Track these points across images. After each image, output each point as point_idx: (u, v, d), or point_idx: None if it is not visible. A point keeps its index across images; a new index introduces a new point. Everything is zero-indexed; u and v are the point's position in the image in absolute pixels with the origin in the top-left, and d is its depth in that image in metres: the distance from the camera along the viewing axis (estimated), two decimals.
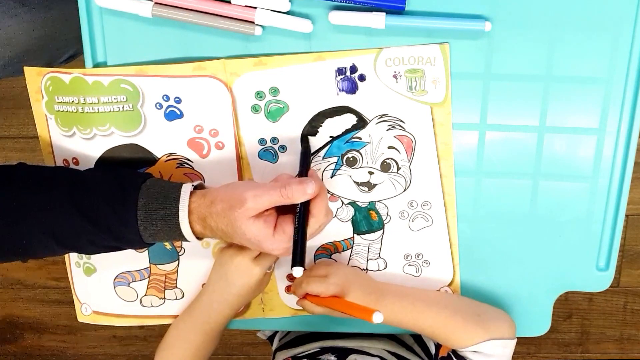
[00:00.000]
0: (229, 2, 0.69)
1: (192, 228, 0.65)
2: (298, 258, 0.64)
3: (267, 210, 0.65)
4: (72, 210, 0.65)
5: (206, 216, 0.65)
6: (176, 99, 0.72)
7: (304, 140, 0.73)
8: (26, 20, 0.84)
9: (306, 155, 0.72)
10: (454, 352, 0.74)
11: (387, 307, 0.73)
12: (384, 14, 0.68)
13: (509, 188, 0.75)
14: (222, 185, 0.68)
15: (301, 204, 0.66)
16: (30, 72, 0.74)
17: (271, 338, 0.97)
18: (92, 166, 0.75)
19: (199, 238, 0.67)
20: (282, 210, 0.66)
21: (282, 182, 0.65)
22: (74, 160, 0.76)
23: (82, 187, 0.67)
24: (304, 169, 0.70)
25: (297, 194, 0.64)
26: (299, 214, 0.65)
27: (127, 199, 0.65)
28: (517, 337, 0.76)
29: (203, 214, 0.65)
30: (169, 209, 0.65)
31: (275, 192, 0.64)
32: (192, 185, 0.67)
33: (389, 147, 0.73)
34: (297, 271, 0.63)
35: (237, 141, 0.74)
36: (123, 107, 0.73)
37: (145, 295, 0.81)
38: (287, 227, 0.65)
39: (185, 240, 0.67)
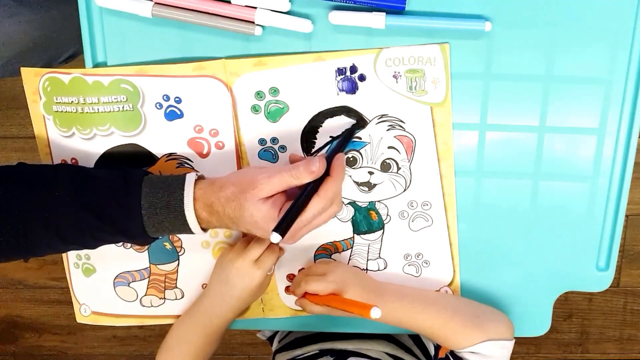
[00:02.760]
0: (229, 2, 0.69)
1: (197, 215, 0.65)
2: (282, 225, 0.62)
3: (277, 192, 0.64)
4: (75, 204, 0.65)
5: (213, 202, 0.64)
6: (176, 99, 0.72)
7: (354, 124, 0.72)
8: (26, 20, 0.84)
9: (342, 139, 0.71)
10: (452, 353, 0.74)
11: (386, 306, 0.73)
12: (384, 14, 0.68)
13: (509, 188, 0.75)
14: (231, 172, 0.68)
15: (309, 182, 0.65)
16: (27, 73, 0.74)
17: (271, 339, 0.97)
18: (92, 166, 0.75)
19: (203, 229, 0.67)
20: (293, 196, 0.65)
21: (294, 164, 0.65)
22: (73, 161, 0.76)
23: (84, 182, 0.66)
24: (333, 151, 0.69)
25: (304, 173, 0.63)
26: (303, 188, 0.64)
27: (130, 189, 0.65)
28: (517, 337, 0.76)
29: (210, 200, 0.64)
30: (173, 196, 0.64)
31: (286, 173, 0.63)
32: (196, 175, 0.67)
33: (389, 147, 0.73)
34: (274, 237, 0.61)
35: (237, 141, 0.74)
36: (123, 107, 0.73)
37: (145, 295, 0.81)
38: None
39: (189, 230, 0.66)
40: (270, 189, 0.63)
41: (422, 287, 0.78)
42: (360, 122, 0.72)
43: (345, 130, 0.72)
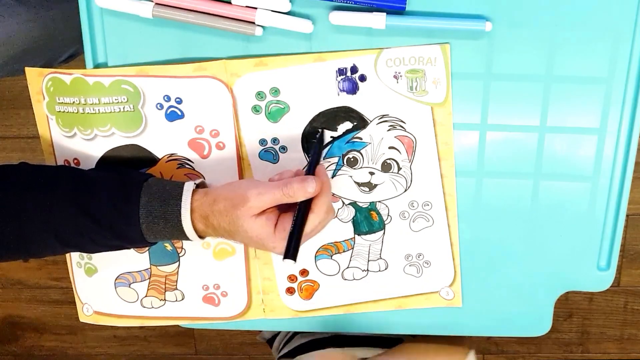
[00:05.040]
0: (230, 3, 0.69)
1: (194, 227, 0.66)
2: (291, 251, 0.63)
3: (269, 207, 0.65)
4: (74, 208, 0.65)
5: (208, 215, 0.65)
6: (177, 100, 0.72)
7: (319, 132, 0.73)
8: (26, 19, 0.84)
9: (317, 149, 0.72)
10: None
11: None
12: (385, 14, 0.68)
13: (509, 188, 0.75)
14: (225, 183, 0.68)
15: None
16: (31, 72, 0.74)
17: (270, 341, 0.97)
18: (93, 167, 0.75)
19: (201, 237, 0.67)
20: (285, 208, 0.66)
21: (285, 180, 0.65)
22: (75, 161, 0.76)
23: (84, 186, 0.67)
24: (312, 164, 0.70)
25: (299, 193, 0.64)
26: (299, 208, 0.65)
27: (129, 197, 0.65)
28: (518, 337, 0.76)
29: (205, 213, 0.65)
30: (171, 207, 0.65)
31: (278, 191, 0.64)
32: (195, 184, 0.67)
33: (389, 148, 0.73)
34: (288, 264, 0.63)
35: (238, 142, 0.74)
36: (124, 108, 0.73)
37: (146, 296, 0.81)
38: (288, 224, 0.65)
39: (188, 239, 0.67)
40: (260, 206, 0.64)
41: (423, 288, 0.79)
42: (361, 122, 0.72)
43: (315, 140, 0.72)
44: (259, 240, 0.64)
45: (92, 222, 0.65)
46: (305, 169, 0.71)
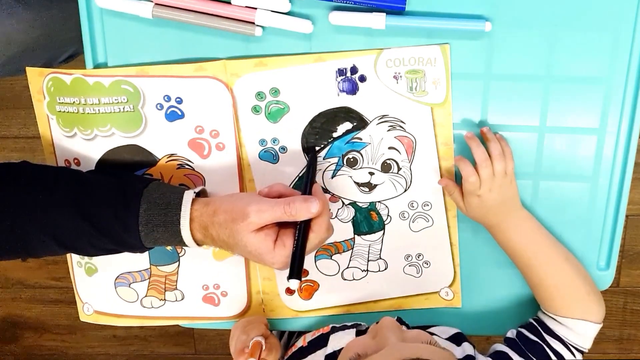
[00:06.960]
0: (229, 3, 0.69)
1: (192, 236, 0.66)
2: (295, 270, 0.64)
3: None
4: (73, 212, 0.65)
5: (208, 225, 0.65)
6: (177, 100, 0.72)
7: (311, 151, 0.73)
8: (26, 19, 0.84)
9: (311, 168, 0.72)
10: (537, 318, 0.75)
11: (519, 221, 0.72)
12: (384, 14, 0.68)
13: None
14: (226, 195, 0.68)
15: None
16: (32, 72, 0.74)
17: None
18: (93, 167, 0.75)
19: (199, 245, 0.67)
20: (283, 223, 0.66)
21: (287, 199, 0.65)
22: (75, 161, 0.76)
23: (84, 190, 0.67)
24: (308, 182, 0.70)
25: (301, 212, 0.64)
26: (299, 228, 0.65)
27: (129, 204, 0.65)
28: None
29: (205, 223, 0.65)
30: (170, 216, 0.65)
31: (279, 209, 0.63)
32: (194, 192, 0.67)
33: (389, 148, 0.73)
34: (293, 284, 0.63)
35: (238, 142, 0.74)
36: (124, 108, 0.73)
37: (146, 296, 0.81)
38: (287, 241, 0.65)
39: (186, 246, 0.67)
40: (260, 222, 0.64)
41: (422, 288, 0.79)
42: (361, 123, 0.73)
43: (308, 161, 0.73)
44: (258, 255, 0.65)
45: (90, 226, 0.65)
46: (293, 185, 0.72)
